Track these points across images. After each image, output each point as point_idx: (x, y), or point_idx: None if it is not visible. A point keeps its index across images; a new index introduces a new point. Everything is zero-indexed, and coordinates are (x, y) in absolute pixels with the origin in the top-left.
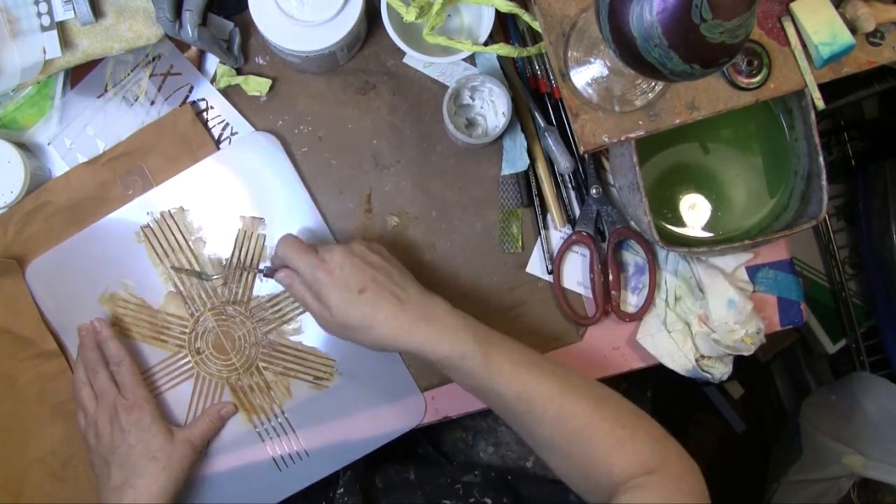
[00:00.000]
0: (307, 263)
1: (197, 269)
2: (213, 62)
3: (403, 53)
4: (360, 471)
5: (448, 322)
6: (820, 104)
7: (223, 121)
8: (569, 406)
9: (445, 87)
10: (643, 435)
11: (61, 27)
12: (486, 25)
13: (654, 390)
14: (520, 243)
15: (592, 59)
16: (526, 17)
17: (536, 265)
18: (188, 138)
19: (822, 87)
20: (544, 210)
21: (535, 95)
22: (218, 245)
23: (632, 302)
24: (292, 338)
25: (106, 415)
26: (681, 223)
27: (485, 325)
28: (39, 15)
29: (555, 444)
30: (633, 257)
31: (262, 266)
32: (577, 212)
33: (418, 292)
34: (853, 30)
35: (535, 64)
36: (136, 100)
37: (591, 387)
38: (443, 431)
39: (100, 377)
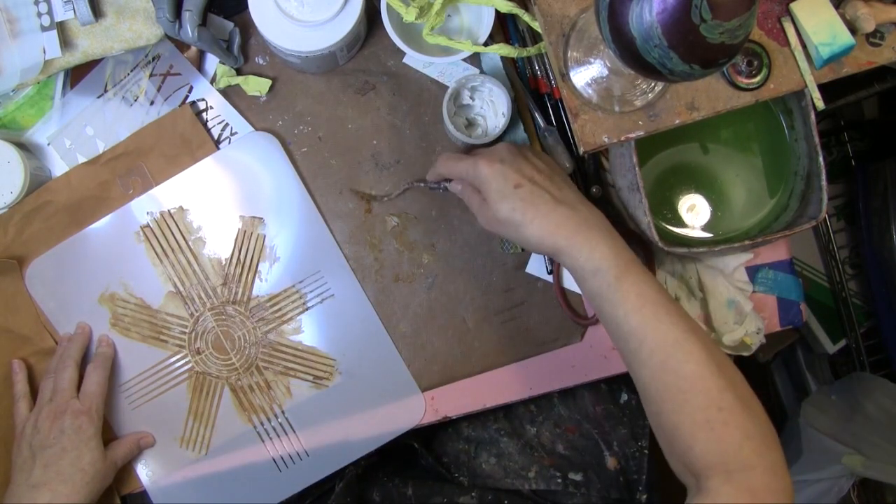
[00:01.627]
0: (469, 164)
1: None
2: (212, 62)
3: (403, 53)
4: (353, 484)
5: (595, 235)
6: (820, 104)
7: (223, 121)
8: (676, 361)
9: (445, 87)
10: (737, 426)
11: (61, 27)
12: (486, 25)
13: None
14: None
15: (592, 60)
16: (526, 17)
17: (536, 265)
18: (188, 138)
19: (822, 88)
20: None
21: (535, 95)
22: (217, 245)
23: None
24: (292, 337)
25: (53, 411)
26: (681, 223)
27: (635, 255)
28: (39, 15)
29: (650, 395)
30: None
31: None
32: None
33: (576, 199)
34: (853, 30)
35: (535, 64)
36: (135, 100)
37: (711, 352)
38: (445, 443)
39: (66, 373)
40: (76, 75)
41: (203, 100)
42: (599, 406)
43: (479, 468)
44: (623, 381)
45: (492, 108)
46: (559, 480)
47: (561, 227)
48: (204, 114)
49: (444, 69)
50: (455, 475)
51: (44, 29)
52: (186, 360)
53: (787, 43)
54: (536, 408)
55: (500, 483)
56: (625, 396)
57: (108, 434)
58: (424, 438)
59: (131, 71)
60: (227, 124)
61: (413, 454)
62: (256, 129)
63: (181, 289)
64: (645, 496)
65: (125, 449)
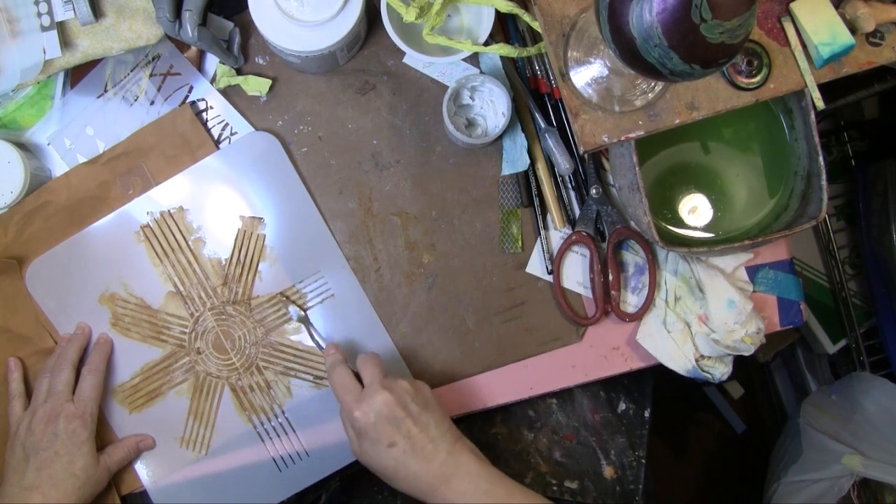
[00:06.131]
0: (347, 404)
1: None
2: (212, 62)
3: (403, 53)
4: (338, 494)
5: (467, 489)
6: (820, 104)
7: (223, 121)
8: None
9: (445, 87)
10: None
11: (61, 27)
12: (486, 25)
13: (654, 390)
14: (520, 243)
15: (592, 59)
16: (526, 17)
17: (536, 265)
18: (188, 138)
19: (822, 87)
20: (544, 210)
21: (535, 95)
22: (217, 245)
23: (632, 302)
24: (292, 337)
25: (47, 413)
26: (681, 223)
27: (512, 484)
28: (39, 15)
29: None
30: (633, 257)
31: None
32: (577, 212)
33: (447, 451)
34: (853, 30)
35: (535, 64)
36: (135, 100)
37: None
38: None
39: (62, 375)
40: (76, 75)
41: (203, 100)
42: (598, 414)
43: None
44: (622, 391)
45: (492, 108)
46: (555, 488)
47: (434, 487)
48: (204, 114)
49: (444, 69)
50: None
51: (44, 29)
52: (186, 360)
53: (787, 43)
54: (535, 413)
55: None
56: (623, 405)
57: (108, 435)
58: None
59: (131, 71)
60: (227, 124)
61: None
62: (256, 129)
63: (181, 289)
64: None
65: (122, 453)
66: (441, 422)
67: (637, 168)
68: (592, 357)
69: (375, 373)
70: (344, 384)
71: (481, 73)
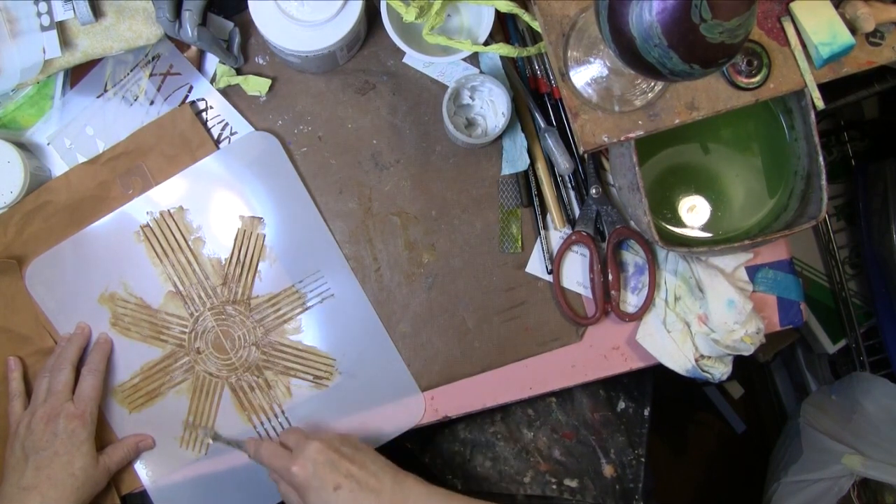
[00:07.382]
0: (282, 467)
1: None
2: (212, 62)
3: (403, 53)
4: None
5: None
6: (820, 104)
7: (223, 121)
8: None
9: (445, 87)
10: None
11: (61, 27)
12: (486, 25)
13: (654, 390)
14: (519, 243)
15: (592, 59)
16: (526, 17)
17: (536, 265)
18: (187, 138)
19: (822, 87)
20: (544, 210)
21: (535, 95)
22: (217, 244)
23: (631, 302)
24: (292, 337)
25: (47, 413)
26: (680, 223)
27: (464, 498)
28: (39, 15)
29: None
30: (633, 257)
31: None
32: (577, 212)
33: (392, 480)
34: (853, 30)
35: (535, 64)
36: (135, 99)
37: None
38: (440, 444)
39: (62, 375)
40: (76, 75)
41: (203, 99)
42: (597, 413)
43: (474, 471)
44: (621, 389)
45: (492, 107)
46: (554, 486)
47: None
48: (204, 113)
49: (444, 69)
50: (448, 477)
51: (44, 29)
52: (186, 359)
53: (787, 42)
54: (534, 412)
55: (494, 487)
56: (622, 404)
57: (108, 435)
58: (419, 440)
59: (131, 70)
60: (227, 124)
61: (405, 453)
62: (256, 129)
63: (181, 288)
64: None
65: (121, 453)
66: (377, 458)
67: (637, 168)
68: (592, 357)
69: (299, 434)
70: (273, 452)
71: (481, 73)
